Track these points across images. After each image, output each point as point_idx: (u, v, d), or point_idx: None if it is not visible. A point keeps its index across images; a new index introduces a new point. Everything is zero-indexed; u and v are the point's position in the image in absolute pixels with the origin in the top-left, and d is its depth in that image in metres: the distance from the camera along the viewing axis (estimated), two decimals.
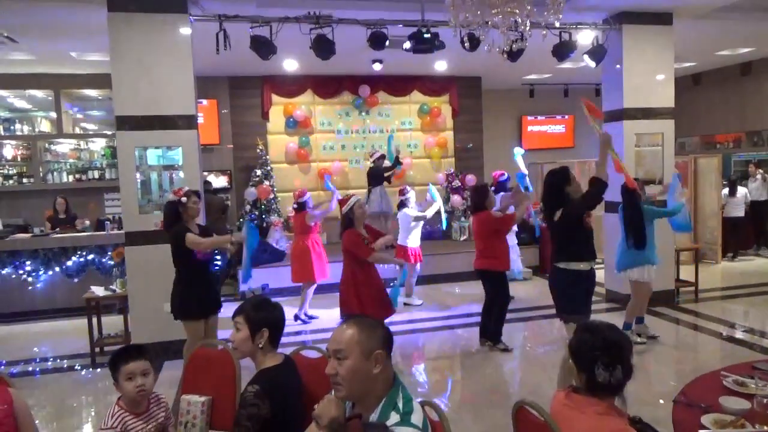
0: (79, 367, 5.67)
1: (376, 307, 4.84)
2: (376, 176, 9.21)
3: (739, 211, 9.63)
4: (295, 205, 6.95)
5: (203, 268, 4.61)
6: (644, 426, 2.23)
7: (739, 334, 5.95)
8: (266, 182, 9.61)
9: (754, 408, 2.26)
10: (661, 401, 4.24)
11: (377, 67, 8.35)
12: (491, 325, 5.67)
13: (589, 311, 4.34)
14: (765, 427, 2.19)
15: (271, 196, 9.60)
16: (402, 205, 7.30)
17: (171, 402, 2.84)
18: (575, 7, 6.40)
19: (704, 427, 2.21)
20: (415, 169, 10.89)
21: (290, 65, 9.04)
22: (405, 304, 7.43)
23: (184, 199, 4.44)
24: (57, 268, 7.37)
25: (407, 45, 6.35)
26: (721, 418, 2.26)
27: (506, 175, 8.08)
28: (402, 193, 7.33)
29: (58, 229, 7.77)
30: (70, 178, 9.19)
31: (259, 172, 9.68)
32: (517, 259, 7.93)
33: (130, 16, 5.57)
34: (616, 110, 7.11)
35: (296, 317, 6.79)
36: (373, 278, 5.00)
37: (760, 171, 10.03)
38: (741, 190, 9.73)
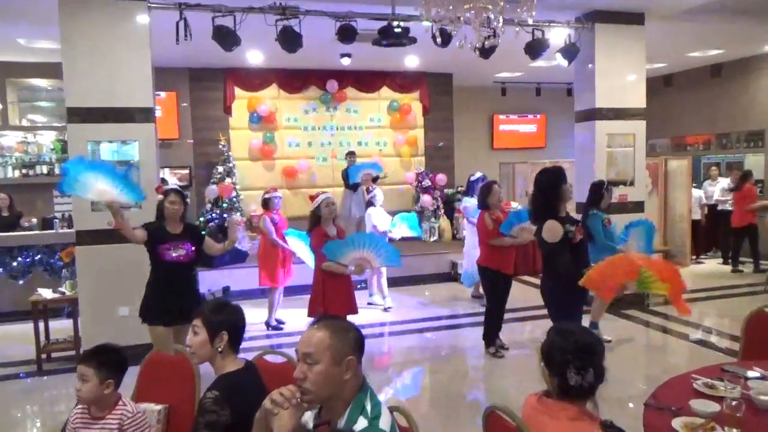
0: (24, 375, 5.36)
1: (339, 307, 4.72)
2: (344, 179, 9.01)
3: (695, 214, 9.54)
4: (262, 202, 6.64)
5: (174, 271, 4.07)
6: (615, 430, 2.23)
7: (708, 337, 5.96)
8: (228, 179, 9.27)
9: (723, 410, 2.28)
10: (632, 405, 4.22)
11: (346, 61, 8.18)
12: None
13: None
14: (734, 430, 2.21)
15: (233, 194, 9.28)
16: (369, 204, 7.11)
17: None
18: (548, 5, 6.31)
19: (675, 431, 2.24)
20: (384, 167, 10.66)
21: (255, 58, 8.75)
22: (369, 303, 7.31)
23: (160, 197, 4.28)
24: (0, 269, 6.94)
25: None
26: (691, 421, 2.29)
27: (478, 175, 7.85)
28: (368, 191, 7.15)
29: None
30: (16, 173, 8.73)
31: (221, 168, 9.33)
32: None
33: (83, 2, 5.28)
34: (589, 110, 7.06)
35: (268, 325, 6.45)
36: (339, 276, 4.86)
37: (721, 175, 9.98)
38: (696, 192, 9.59)
